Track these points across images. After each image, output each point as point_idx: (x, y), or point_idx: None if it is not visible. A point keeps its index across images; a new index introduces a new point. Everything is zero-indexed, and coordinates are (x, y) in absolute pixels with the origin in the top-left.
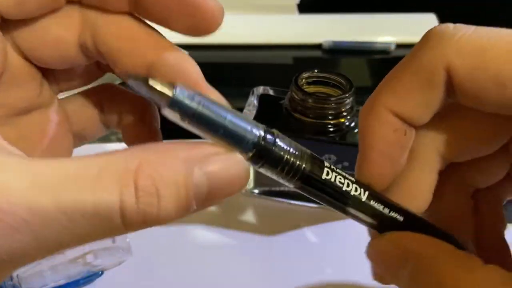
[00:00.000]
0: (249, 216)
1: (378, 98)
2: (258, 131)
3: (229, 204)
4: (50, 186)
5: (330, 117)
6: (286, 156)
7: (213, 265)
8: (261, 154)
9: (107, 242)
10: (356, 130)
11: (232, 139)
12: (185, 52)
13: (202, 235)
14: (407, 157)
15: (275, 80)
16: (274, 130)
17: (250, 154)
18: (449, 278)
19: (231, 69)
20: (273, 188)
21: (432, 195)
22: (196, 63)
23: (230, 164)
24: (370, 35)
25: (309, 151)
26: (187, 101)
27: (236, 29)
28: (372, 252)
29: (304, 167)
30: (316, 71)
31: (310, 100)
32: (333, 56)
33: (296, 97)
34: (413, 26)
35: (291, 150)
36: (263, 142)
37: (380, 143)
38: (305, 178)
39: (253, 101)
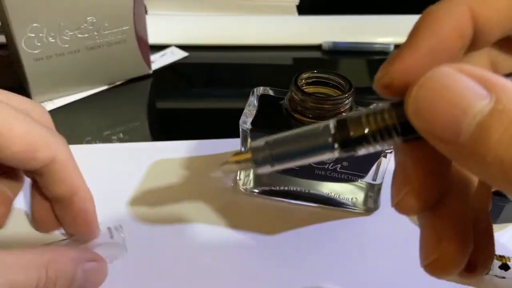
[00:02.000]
0: (249, 216)
1: None
2: (328, 128)
3: (229, 204)
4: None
5: (329, 117)
6: (366, 129)
7: (212, 264)
8: (345, 142)
9: (105, 238)
10: None
11: (315, 149)
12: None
13: (201, 234)
14: None
15: (275, 80)
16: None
17: (338, 150)
18: None
19: (231, 70)
20: (273, 188)
21: None
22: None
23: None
24: (370, 36)
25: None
26: (262, 154)
27: (236, 30)
28: (429, 88)
29: (387, 123)
30: (315, 71)
31: (309, 101)
32: (333, 56)
33: (295, 97)
34: (412, 27)
35: (364, 119)
36: (337, 133)
37: (437, 40)
38: (402, 127)
39: (253, 101)
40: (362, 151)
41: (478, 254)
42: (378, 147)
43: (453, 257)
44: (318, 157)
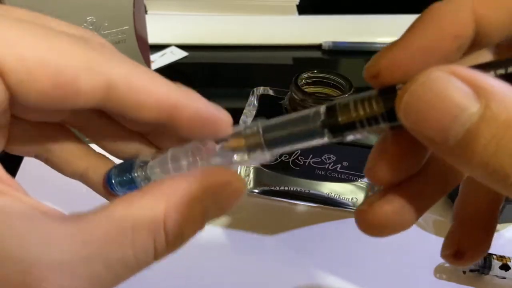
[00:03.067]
0: (249, 216)
1: None
2: (319, 113)
3: None
4: (98, 252)
5: None
6: (354, 115)
7: (212, 264)
8: (333, 128)
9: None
10: None
11: (305, 134)
12: None
13: (201, 234)
14: None
15: (275, 80)
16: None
17: (327, 135)
18: None
19: (231, 70)
20: (273, 188)
21: None
22: None
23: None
24: (370, 36)
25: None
26: (254, 139)
27: (237, 29)
28: (424, 88)
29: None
30: (315, 71)
31: (309, 100)
32: (333, 56)
33: (296, 97)
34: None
35: (352, 106)
36: (327, 118)
37: (429, 38)
38: (388, 114)
39: (253, 101)
40: (350, 137)
41: (470, 244)
42: (365, 133)
43: (392, 218)
44: (309, 143)
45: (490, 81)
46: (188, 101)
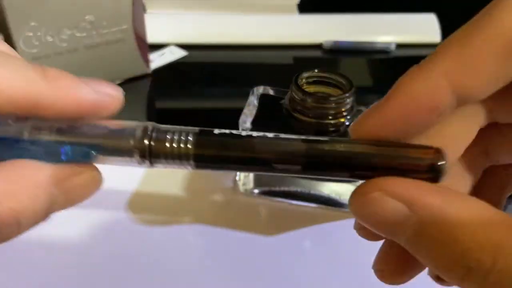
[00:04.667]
0: (249, 216)
1: (440, 62)
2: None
3: (229, 204)
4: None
5: (330, 117)
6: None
7: (212, 265)
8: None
9: None
10: None
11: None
12: None
13: (201, 234)
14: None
15: (275, 80)
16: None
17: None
18: (461, 229)
19: (231, 69)
20: (273, 188)
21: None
22: None
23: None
24: (371, 35)
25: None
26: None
27: (237, 29)
28: (362, 207)
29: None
30: (316, 71)
31: (310, 100)
32: (334, 56)
33: (296, 97)
34: (413, 26)
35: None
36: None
37: (408, 110)
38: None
39: (253, 101)
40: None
41: None
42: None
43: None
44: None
45: (421, 196)
46: (53, 96)
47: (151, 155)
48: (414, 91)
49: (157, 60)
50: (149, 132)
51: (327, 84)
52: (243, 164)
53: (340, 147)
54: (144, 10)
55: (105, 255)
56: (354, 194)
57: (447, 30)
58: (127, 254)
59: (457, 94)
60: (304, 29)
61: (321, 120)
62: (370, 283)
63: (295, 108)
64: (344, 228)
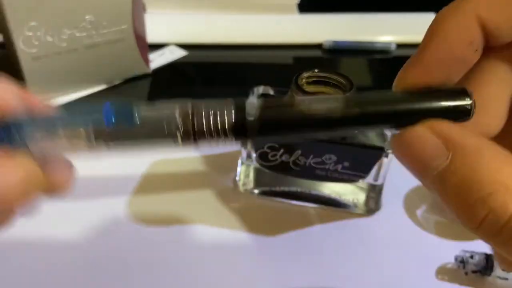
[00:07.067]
0: (249, 216)
1: (468, 1)
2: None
3: (229, 204)
4: None
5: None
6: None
7: (213, 265)
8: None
9: None
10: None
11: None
12: None
13: (202, 235)
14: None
15: (275, 80)
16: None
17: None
18: (489, 171)
19: (231, 69)
20: (273, 188)
21: (506, 115)
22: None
23: None
24: (371, 35)
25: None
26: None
27: (237, 28)
28: (403, 141)
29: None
30: (316, 71)
31: None
32: (334, 56)
33: (296, 96)
34: (413, 26)
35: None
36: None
37: (445, 50)
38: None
39: None
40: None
41: None
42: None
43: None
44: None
45: (459, 137)
46: None
47: (194, 132)
48: (448, 29)
49: (157, 60)
50: (189, 110)
51: (327, 84)
52: (294, 130)
53: (380, 96)
54: (144, 10)
55: (105, 254)
56: (400, 132)
57: None
58: (127, 254)
59: (485, 33)
60: (304, 29)
61: None
62: (371, 283)
63: None
64: (345, 228)
